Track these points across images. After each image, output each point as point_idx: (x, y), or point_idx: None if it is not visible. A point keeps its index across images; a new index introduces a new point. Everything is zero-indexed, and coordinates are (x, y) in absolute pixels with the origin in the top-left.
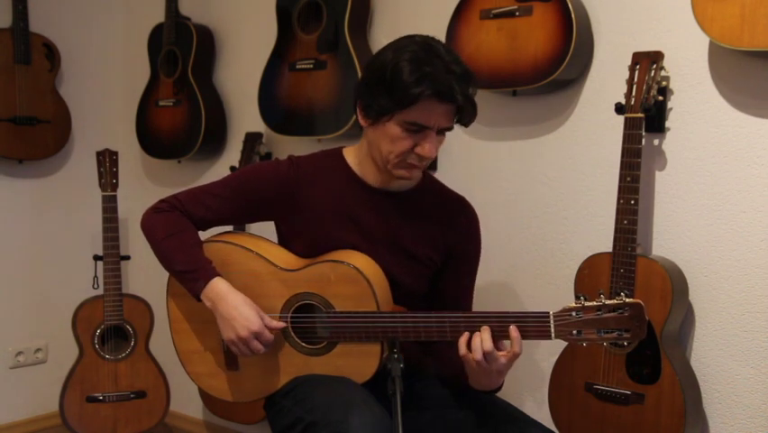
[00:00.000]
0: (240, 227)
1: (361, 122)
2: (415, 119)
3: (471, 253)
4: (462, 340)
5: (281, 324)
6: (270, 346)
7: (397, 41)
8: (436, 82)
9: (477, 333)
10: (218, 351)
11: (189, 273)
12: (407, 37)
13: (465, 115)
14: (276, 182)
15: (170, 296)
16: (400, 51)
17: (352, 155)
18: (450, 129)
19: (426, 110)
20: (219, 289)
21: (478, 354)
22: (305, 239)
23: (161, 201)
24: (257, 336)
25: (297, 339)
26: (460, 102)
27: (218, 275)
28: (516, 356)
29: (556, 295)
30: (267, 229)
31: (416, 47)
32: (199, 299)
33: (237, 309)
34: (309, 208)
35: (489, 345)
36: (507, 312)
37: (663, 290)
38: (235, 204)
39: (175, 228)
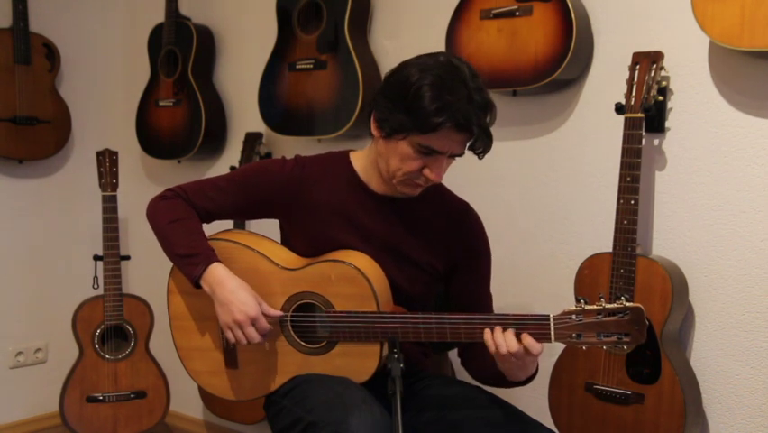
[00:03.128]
0: (240, 224)
1: (374, 132)
2: (429, 144)
3: (479, 259)
4: (488, 338)
5: (279, 312)
6: (267, 335)
7: (422, 59)
8: (457, 113)
9: (496, 328)
10: (218, 349)
11: (190, 258)
12: (432, 56)
13: (479, 145)
14: (280, 181)
15: (171, 293)
16: (424, 72)
17: (358, 160)
18: (461, 155)
19: (443, 138)
20: (218, 273)
21: (502, 348)
22: (306, 239)
23: (168, 190)
24: (254, 321)
25: (296, 338)
26: (476, 133)
27: (218, 261)
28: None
29: (556, 295)
30: (268, 228)
31: (440, 70)
32: (198, 285)
33: (235, 294)
34: (312, 209)
35: (513, 343)
36: (507, 315)
37: (663, 291)
38: (238, 199)
39: (179, 215)
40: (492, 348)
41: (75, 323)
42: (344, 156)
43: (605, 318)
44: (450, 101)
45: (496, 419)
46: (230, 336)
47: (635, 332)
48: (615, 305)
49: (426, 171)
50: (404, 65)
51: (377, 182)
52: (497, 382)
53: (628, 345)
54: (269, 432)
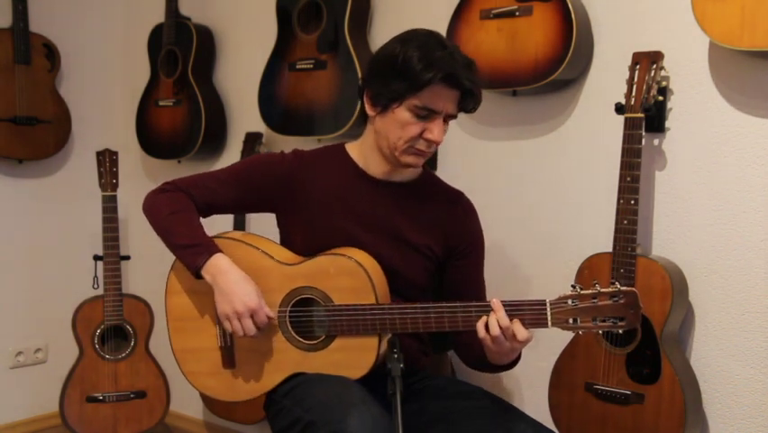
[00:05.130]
0: (240, 223)
1: (369, 111)
2: (425, 103)
3: (472, 243)
4: (480, 324)
5: (273, 315)
6: (263, 330)
7: (401, 35)
8: (445, 66)
9: (492, 312)
10: (215, 350)
11: (192, 247)
12: (408, 31)
13: (471, 100)
14: (279, 173)
15: (169, 294)
16: (407, 41)
17: (354, 149)
18: (454, 117)
19: (436, 95)
20: (221, 263)
21: (495, 330)
22: (305, 230)
23: (166, 183)
24: (253, 312)
25: (294, 334)
26: (466, 86)
27: (221, 251)
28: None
29: (556, 295)
30: (267, 229)
31: (422, 37)
32: (199, 276)
33: (237, 284)
34: (311, 199)
35: (505, 321)
36: (504, 301)
37: (663, 290)
38: (239, 191)
39: (180, 207)
40: (482, 333)
41: (75, 323)
42: (340, 147)
43: (600, 303)
44: (436, 57)
45: (494, 412)
46: (227, 326)
47: (630, 315)
48: (609, 289)
49: (426, 134)
50: (385, 45)
51: (375, 167)
52: (480, 365)
53: (623, 330)
54: (269, 432)
